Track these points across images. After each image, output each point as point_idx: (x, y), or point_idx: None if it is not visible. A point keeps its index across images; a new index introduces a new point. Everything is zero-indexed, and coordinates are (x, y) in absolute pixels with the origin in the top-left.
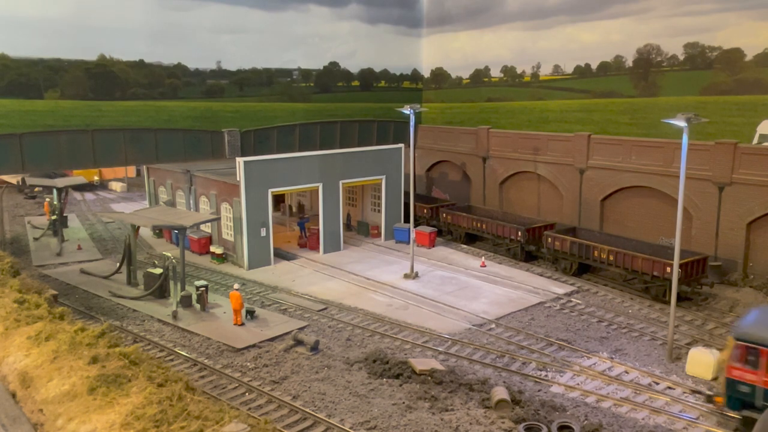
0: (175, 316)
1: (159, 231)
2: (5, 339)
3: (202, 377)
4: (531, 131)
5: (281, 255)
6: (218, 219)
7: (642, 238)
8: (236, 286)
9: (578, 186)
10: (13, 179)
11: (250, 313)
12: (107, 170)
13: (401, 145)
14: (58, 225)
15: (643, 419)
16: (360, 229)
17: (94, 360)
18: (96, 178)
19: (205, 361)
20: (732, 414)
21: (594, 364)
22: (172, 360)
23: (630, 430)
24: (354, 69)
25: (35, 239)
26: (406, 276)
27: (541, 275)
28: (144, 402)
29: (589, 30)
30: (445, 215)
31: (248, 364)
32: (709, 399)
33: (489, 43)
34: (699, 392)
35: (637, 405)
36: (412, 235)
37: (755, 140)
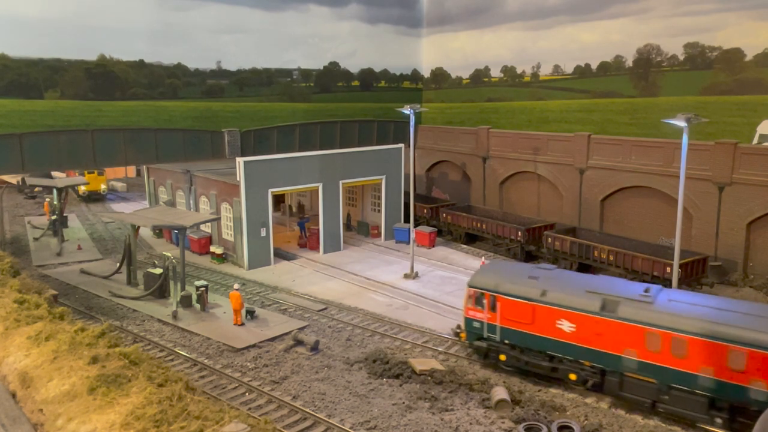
0: (175, 316)
1: (159, 231)
2: (5, 339)
3: (202, 377)
4: (531, 131)
5: (281, 255)
6: (218, 219)
7: (642, 238)
8: (236, 286)
9: (578, 186)
10: (13, 179)
11: (250, 313)
12: (107, 170)
13: (401, 145)
14: (58, 225)
15: (643, 419)
16: (360, 229)
17: (94, 360)
18: (103, 186)
19: (205, 361)
20: (470, 344)
21: None
22: (172, 360)
23: (630, 430)
24: (354, 69)
25: (35, 239)
26: (406, 276)
27: None
28: (144, 402)
29: (589, 30)
30: (445, 215)
31: (248, 364)
32: (457, 335)
33: (489, 43)
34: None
35: (637, 405)
36: (412, 235)
37: (755, 140)
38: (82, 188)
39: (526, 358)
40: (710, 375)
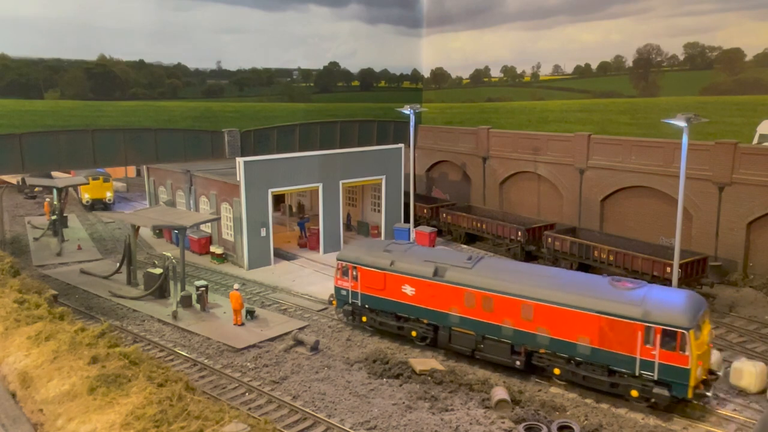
0: (175, 316)
1: (159, 231)
2: (5, 339)
3: (202, 377)
4: (531, 131)
5: (281, 255)
6: (218, 219)
7: (642, 238)
8: (236, 286)
9: (578, 186)
10: (13, 179)
11: (250, 313)
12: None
13: (401, 145)
14: (58, 225)
15: (643, 419)
16: (360, 229)
17: (94, 360)
18: (109, 194)
19: (205, 361)
20: (341, 309)
21: None
22: (172, 360)
23: (630, 430)
24: (354, 69)
25: (35, 239)
26: None
27: None
28: (144, 402)
29: (589, 30)
30: (445, 215)
31: (248, 364)
32: (330, 301)
33: (489, 43)
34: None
35: (637, 405)
36: (412, 236)
37: (755, 140)
38: (86, 196)
39: (380, 319)
40: (510, 325)
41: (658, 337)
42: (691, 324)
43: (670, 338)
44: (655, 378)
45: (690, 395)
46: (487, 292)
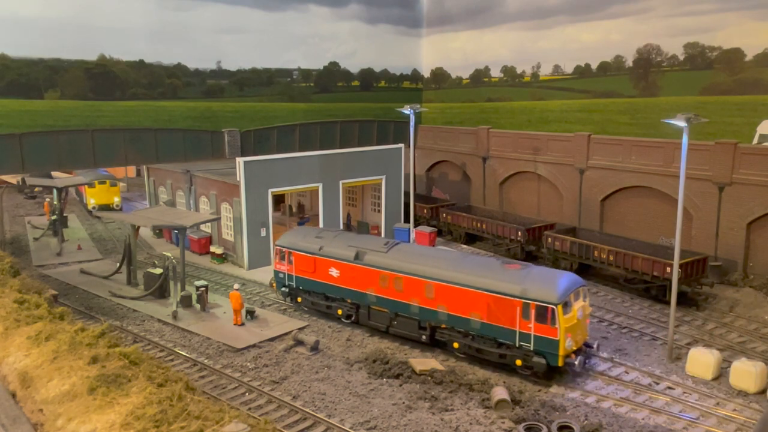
0: (175, 316)
1: (159, 231)
2: (5, 339)
3: (202, 377)
4: (531, 131)
5: None
6: (218, 219)
7: (642, 238)
8: (236, 286)
9: (578, 186)
10: (13, 179)
11: (250, 313)
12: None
13: (401, 145)
14: (58, 225)
15: (643, 419)
16: (360, 229)
17: (94, 360)
18: (117, 199)
19: (205, 361)
20: (279, 291)
21: (594, 364)
22: (172, 360)
23: (630, 430)
24: (354, 69)
25: (35, 239)
26: None
27: None
28: (144, 402)
29: (589, 30)
30: (445, 215)
31: (248, 364)
32: (270, 284)
33: (489, 43)
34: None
35: (637, 405)
36: (412, 236)
37: (755, 140)
38: (91, 201)
39: (312, 299)
40: (416, 303)
41: (533, 311)
42: (560, 300)
43: (542, 313)
44: (531, 348)
45: (560, 363)
46: (397, 274)
